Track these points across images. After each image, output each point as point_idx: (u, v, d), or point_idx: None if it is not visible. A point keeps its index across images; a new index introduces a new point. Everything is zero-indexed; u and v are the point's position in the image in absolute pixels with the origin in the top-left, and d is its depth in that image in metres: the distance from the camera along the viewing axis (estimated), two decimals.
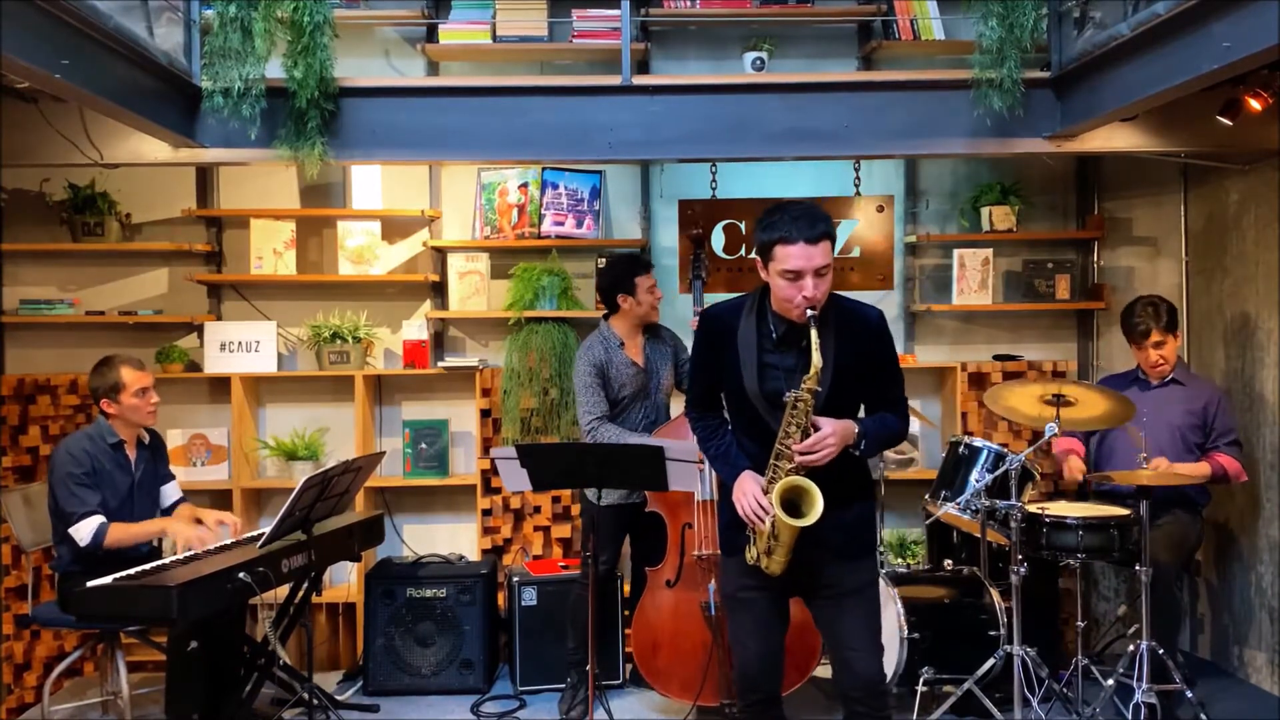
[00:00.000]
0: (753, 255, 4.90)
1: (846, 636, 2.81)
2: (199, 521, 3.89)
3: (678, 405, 4.24)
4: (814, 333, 2.64)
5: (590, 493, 3.51)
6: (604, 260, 4.84)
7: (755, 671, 2.90)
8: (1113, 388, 4.16)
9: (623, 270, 4.13)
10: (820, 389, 2.67)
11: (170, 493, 4.06)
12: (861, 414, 2.87)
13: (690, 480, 3.48)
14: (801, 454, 2.66)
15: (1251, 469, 4.34)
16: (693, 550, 3.91)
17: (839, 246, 4.83)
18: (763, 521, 2.70)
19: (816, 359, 2.63)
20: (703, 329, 2.93)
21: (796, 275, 2.65)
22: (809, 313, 2.65)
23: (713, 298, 4.78)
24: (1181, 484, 3.96)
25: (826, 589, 2.82)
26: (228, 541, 3.82)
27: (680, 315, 4.40)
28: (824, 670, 4.16)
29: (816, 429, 2.67)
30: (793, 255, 2.64)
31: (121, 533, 3.70)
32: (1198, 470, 4.04)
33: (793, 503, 2.68)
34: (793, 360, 2.75)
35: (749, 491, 2.74)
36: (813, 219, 2.67)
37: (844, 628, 2.81)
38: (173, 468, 4.16)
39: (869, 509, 2.94)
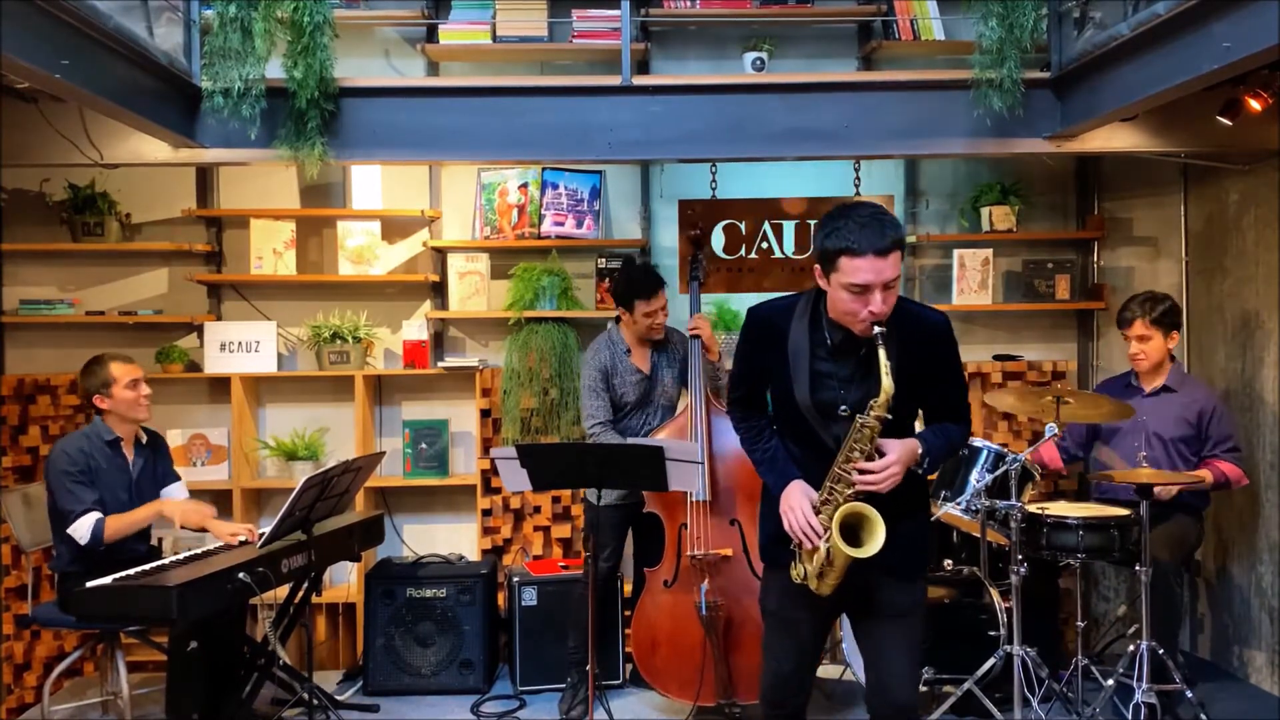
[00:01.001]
0: (753, 256, 4.98)
1: (887, 661, 2.66)
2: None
3: (678, 404, 4.26)
4: (883, 353, 2.43)
5: (590, 493, 3.51)
6: (604, 260, 4.86)
7: (786, 691, 2.78)
8: (1106, 393, 4.16)
9: (624, 288, 4.11)
10: (889, 416, 2.46)
11: (175, 494, 4.05)
12: (918, 424, 2.74)
13: (690, 480, 3.49)
14: (862, 481, 2.49)
15: (1251, 469, 4.34)
16: (688, 551, 3.91)
17: None
18: (812, 544, 2.54)
19: (887, 384, 2.42)
20: (749, 330, 2.72)
21: (864, 289, 2.42)
22: (876, 329, 2.44)
23: (714, 298, 4.86)
24: (1180, 485, 3.94)
25: (873, 608, 2.66)
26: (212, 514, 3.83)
27: (679, 318, 4.39)
28: (824, 670, 4.17)
29: (881, 454, 2.50)
30: (860, 269, 2.41)
31: (119, 523, 3.70)
32: (1198, 476, 4.01)
33: (851, 528, 2.50)
34: (848, 370, 2.56)
35: (798, 507, 2.56)
36: (882, 227, 2.43)
37: (885, 651, 2.67)
38: (174, 468, 4.16)
39: (923, 522, 2.76)
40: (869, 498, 2.51)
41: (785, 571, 2.67)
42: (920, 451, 2.57)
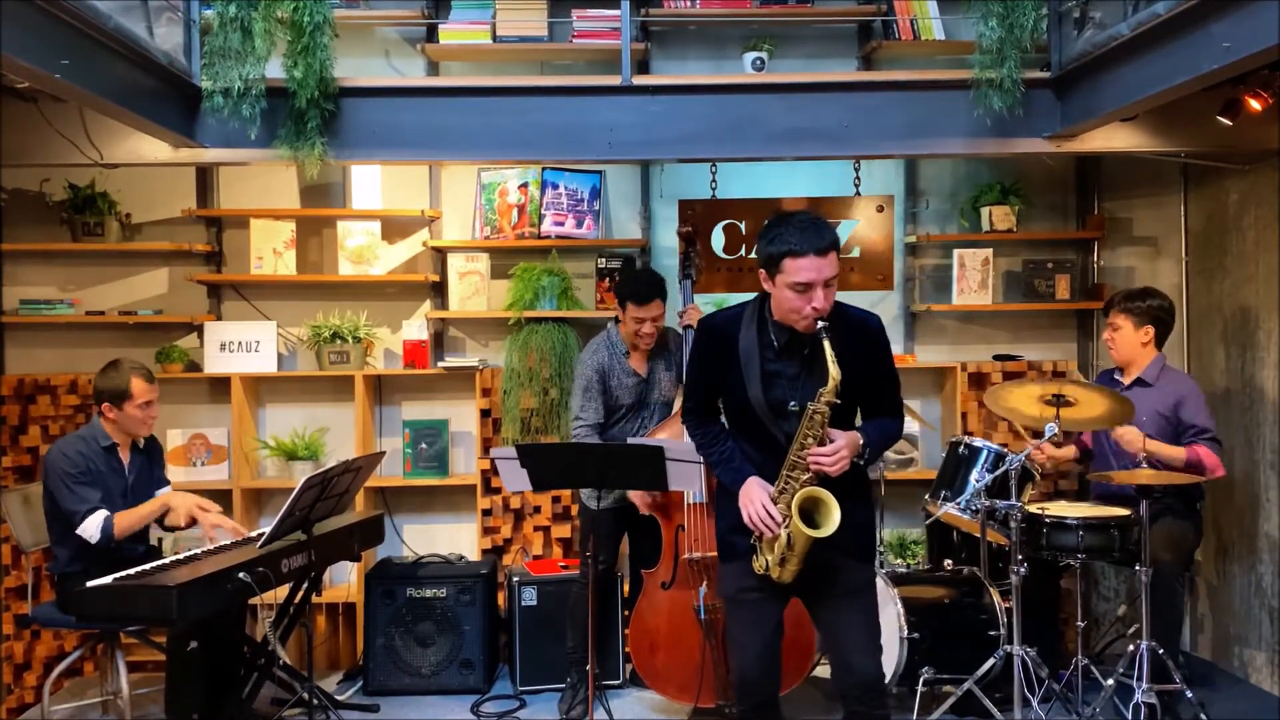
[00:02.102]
0: (752, 255, 4.98)
1: (847, 637, 2.82)
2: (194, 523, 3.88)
3: (675, 405, 4.26)
4: (828, 344, 2.64)
5: (588, 498, 3.50)
6: (604, 260, 4.86)
7: (754, 674, 2.88)
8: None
9: (621, 289, 4.12)
10: (838, 401, 2.67)
11: None
12: (858, 419, 2.91)
13: (690, 480, 3.48)
14: (816, 463, 2.67)
15: (1251, 469, 4.34)
16: (685, 553, 3.91)
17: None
18: (773, 531, 2.71)
19: (835, 371, 2.64)
20: (701, 339, 2.93)
21: (807, 287, 2.65)
22: (820, 324, 2.65)
23: (714, 298, 4.86)
24: (1158, 460, 3.88)
25: (827, 589, 2.83)
26: (227, 542, 3.82)
27: (674, 319, 4.39)
28: (823, 670, 4.17)
29: (830, 440, 2.69)
30: (803, 268, 2.64)
31: (128, 518, 3.71)
32: (1175, 452, 3.93)
33: (807, 513, 2.68)
34: (795, 368, 2.77)
35: (756, 499, 2.75)
36: (819, 230, 2.68)
37: (844, 628, 2.83)
38: (173, 468, 4.18)
39: (870, 510, 3.00)
40: (824, 483, 2.70)
41: (743, 562, 2.84)
42: (862, 442, 2.76)
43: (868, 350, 2.82)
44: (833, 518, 2.65)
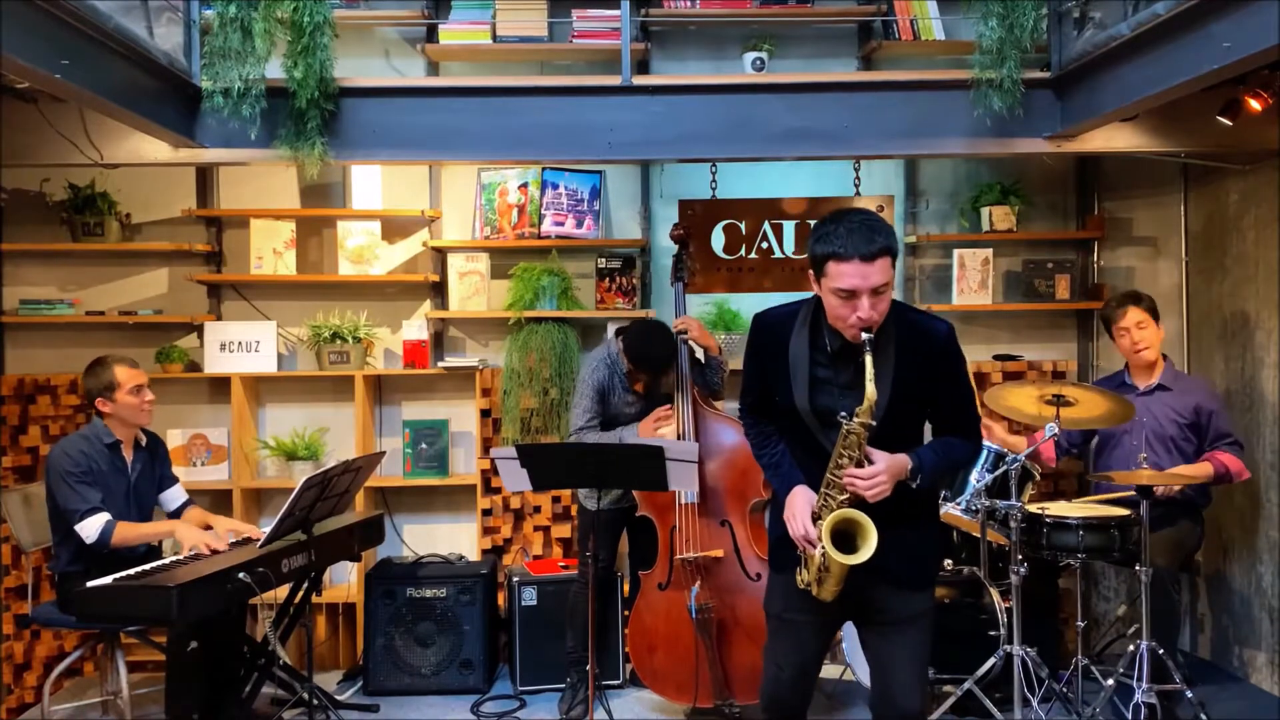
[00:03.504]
0: (752, 255, 4.98)
1: (892, 668, 2.65)
2: (208, 528, 3.88)
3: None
4: (869, 360, 2.44)
5: (586, 498, 3.50)
6: (604, 260, 4.83)
7: (787, 694, 2.76)
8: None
9: (634, 352, 3.96)
10: (874, 423, 2.47)
11: (175, 496, 4.06)
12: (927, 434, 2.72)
13: (690, 480, 3.48)
14: (851, 485, 2.49)
15: (1252, 469, 4.33)
16: (679, 554, 3.91)
17: None
18: (810, 550, 2.57)
19: (871, 391, 2.43)
20: (754, 336, 2.74)
21: (851, 294, 2.44)
22: (864, 335, 2.45)
23: (713, 298, 4.86)
24: (1185, 484, 3.93)
25: (878, 616, 2.66)
26: (234, 540, 3.82)
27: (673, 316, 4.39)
28: (824, 670, 4.16)
29: (870, 462, 2.50)
30: (846, 273, 2.43)
31: (129, 532, 3.69)
32: (1200, 470, 4.01)
33: (845, 534, 2.52)
34: (848, 377, 2.56)
35: (799, 514, 2.58)
36: (870, 233, 2.44)
37: (890, 658, 2.65)
38: (173, 468, 4.15)
39: (932, 534, 2.75)
40: (866, 506, 2.50)
41: (790, 575, 2.68)
42: (911, 466, 2.54)
43: (932, 361, 2.57)
44: (869, 542, 2.46)
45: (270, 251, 4.77)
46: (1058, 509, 3.94)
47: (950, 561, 4.26)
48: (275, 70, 3.86)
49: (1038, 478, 4.11)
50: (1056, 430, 3.72)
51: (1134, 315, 4.13)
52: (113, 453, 3.84)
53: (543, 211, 4.82)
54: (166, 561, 3.57)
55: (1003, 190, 4.86)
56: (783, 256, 4.83)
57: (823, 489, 2.58)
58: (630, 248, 4.94)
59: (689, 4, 4.59)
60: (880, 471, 2.48)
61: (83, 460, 3.72)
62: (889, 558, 2.50)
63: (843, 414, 2.50)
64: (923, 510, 2.70)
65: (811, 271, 2.55)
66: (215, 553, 3.65)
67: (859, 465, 2.51)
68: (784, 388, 2.63)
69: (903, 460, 2.54)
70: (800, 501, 2.60)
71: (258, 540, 3.71)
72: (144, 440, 3.98)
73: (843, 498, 2.53)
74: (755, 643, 3.56)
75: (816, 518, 2.57)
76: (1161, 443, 4.10)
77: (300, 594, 4.00)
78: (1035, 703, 3.70)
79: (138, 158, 4.06)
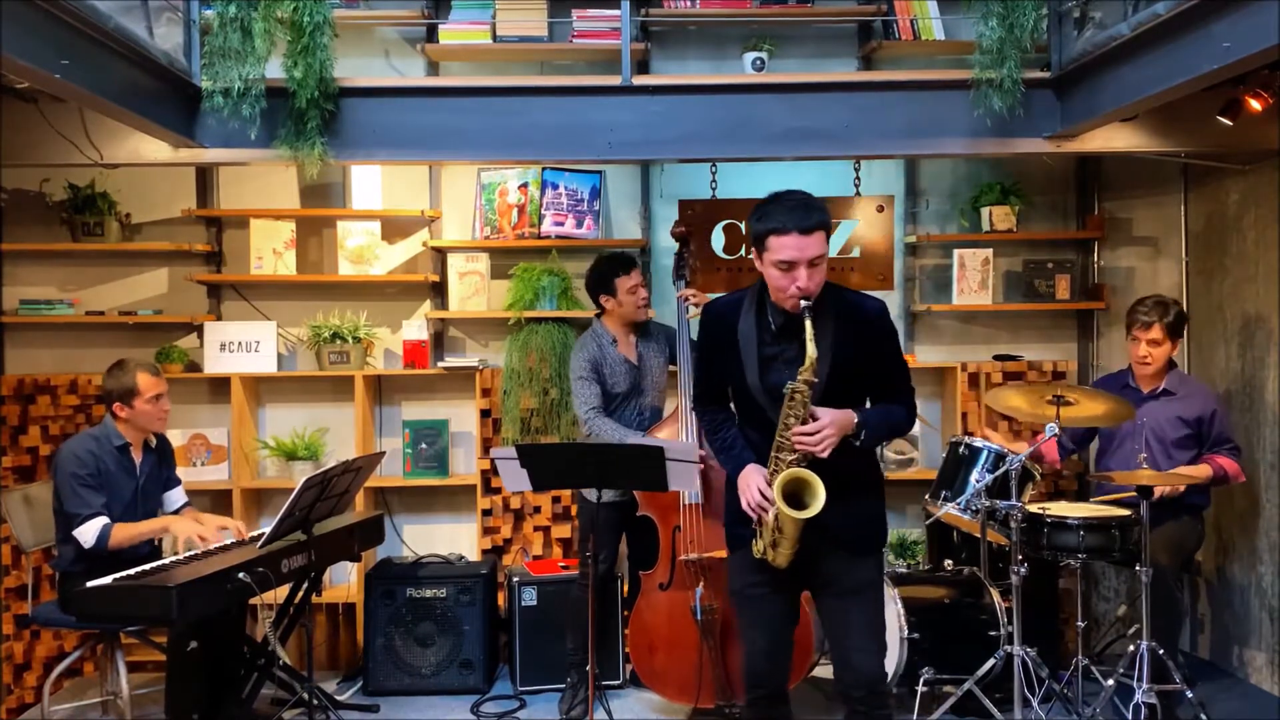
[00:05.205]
0: (752, 255, 4.96)
1: (849, 634, 2.80)
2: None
3: (670, 403, 4.25)
4: (809, 324, 2.62)
5: (589, 492, 3.50)
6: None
7: (762, 666, 2.89)
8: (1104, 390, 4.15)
9: (603, 271, 4.14)
10: (817, 380, 2.65)
11: (175, 498, 4.06)
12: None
13: (690, 480, 3.48)
14: (800, 442, 2.64)
15: (1252, 469, 4.33)
16: (682, 554, 3.91)
17: (839, 246, 4.84)
18: (765, 512, 2.70)
19: (811, 350, 2.61)
20: (705, 326, 2.92)
21: (790, 266, 2.64)
22: (803, 304, 2.63)
23: (711, 298, 4.85)
24: (1183, 484, 3.94)
25: (831, 584, 2.81)
26: (228, 542, 3.82)
27: (674, 315, 4.39)
28: (823, 670, 4.17)
29: (815, 419, 2.65)
30: (786, 246, 2.63)
31: (125, 533, 3.69)
32: (1199, 472, 4.02)
33: (795, 494, 2.67)
34: (793, 352, 2.72)
35: (752, 483, 2.73)
36: (807, 209, 2.66)
37: (847, 625, 2.80)
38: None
39: (878, 505, 2.91)
40: (819, 469, 2.65)
41: (747, 550, 2.83)
42: (856, 421, 2.71)
43: (865, 334, 2.77)
44: (818, 497, 2.62)
45: (270, 251, 4.77)
46: (1058, 509, 3.94)
47: (950, 561, 4.26)
48: (275, 70, 3.86)
49: (1038, 478, 4.11)
50: (1057, 430, 3.72)
51: (1155, 332, 4.13)
52: (122, 455, 3.84)
53: (543, 211, 4.83)
54: (166, 561, 3.56)
55: (1003, 190, 4.86)
56: None
57: (773, 453, 2.73)
58: (630, 247, 4.93)
59: (689, 4, 4.59)
60: (826, 424, 2.65)
61: (91, 461, 3.72)
62: (839, 524, 2.71)
63: (788, 383, 2.67)
64: (869, 480, 2.89)
65: (754, 249, 2.74)
66: (207, 546, 3.65)
67: (804, 424, 2.65)
68: (736, 370, 2.80)
69: (848, 414, 2.70)
70: (753, 475, 2.76)
71: (245, 538, 3.73)
72: (153, 442, 3.98)
73: (792, 458, 2.68)
74: None
75: (769, 484, 2.72)
76: (1163, 446, 4.10)
77: (300, 594, 4.00)
78: (1035, 703, 3.69)
79: (138, 158, 4.06)
